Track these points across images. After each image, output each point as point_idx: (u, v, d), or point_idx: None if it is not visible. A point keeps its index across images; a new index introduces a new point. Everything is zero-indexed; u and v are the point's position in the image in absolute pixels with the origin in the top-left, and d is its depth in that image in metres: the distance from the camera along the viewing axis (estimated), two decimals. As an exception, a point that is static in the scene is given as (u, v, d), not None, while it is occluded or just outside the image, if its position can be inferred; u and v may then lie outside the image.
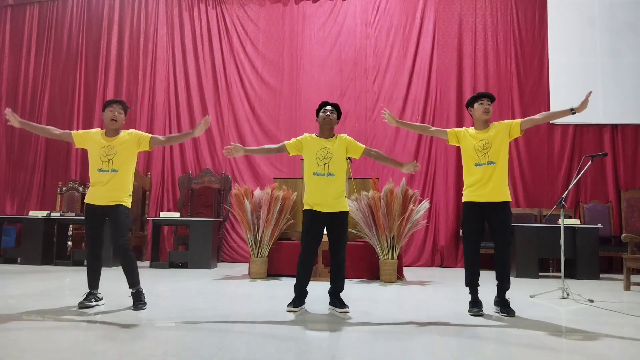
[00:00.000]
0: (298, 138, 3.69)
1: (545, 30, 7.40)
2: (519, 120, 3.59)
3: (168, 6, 8.25)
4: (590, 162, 4.61)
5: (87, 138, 3.61)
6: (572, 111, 3.46)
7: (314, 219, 3.54)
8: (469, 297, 3.58)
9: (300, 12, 7.94)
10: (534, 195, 7.19)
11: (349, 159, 3.80)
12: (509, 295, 3.56)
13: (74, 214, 6.83)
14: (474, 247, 3.56)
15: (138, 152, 3.66)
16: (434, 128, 3.94)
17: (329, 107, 3.67)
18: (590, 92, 3.44)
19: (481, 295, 3.56)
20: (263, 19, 8.02)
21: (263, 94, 7.88)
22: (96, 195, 3.54)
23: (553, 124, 7.24)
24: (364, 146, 3.67)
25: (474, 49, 7.50)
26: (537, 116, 3.63)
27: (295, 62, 7.85)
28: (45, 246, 6.61)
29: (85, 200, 3.61)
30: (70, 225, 7.19)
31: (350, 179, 5.86)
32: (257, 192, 5.74)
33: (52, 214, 6.71)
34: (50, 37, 8.48)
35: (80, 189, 7.78)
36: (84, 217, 3.72)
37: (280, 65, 7.90)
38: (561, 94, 7.20)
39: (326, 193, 3.51)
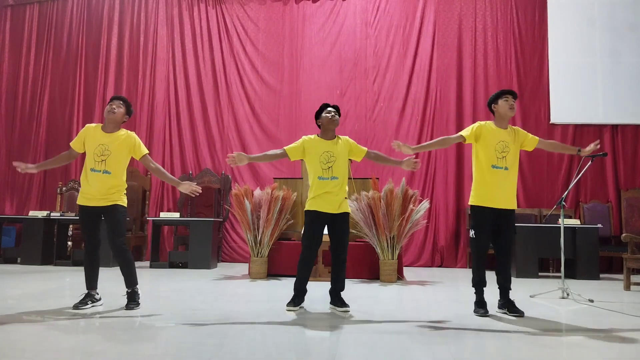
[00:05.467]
0: (298, 143, 3.64)
1: (545, 30, 7.40)
2: (537, 138, 3.61)
3: (168, 6, 8.25)
4: (590, 162, 4.60)
5: (84, 136, 3.61)
6: (579, 151, 3.67)
7: (316, 220, 3.55)
8: (470, 298, 3.58)
9: (300, 12, 7.93)
10: (534, 195, 7.19)
11: (350, 160, 3.80)
12: (511, 296, 3.56)
13: (74, 214, 6.82)
14: (486, 247, 3.51)
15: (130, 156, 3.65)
16: (450, 137, 3.73)
17: (332, 109, 3.67)
18: (598, 141, 3.68)
19: (485, 296, 3.55)
20: (263, 18, 8.02)
21: (263, 94, 7.87)
22: (89, 197, 3.52)
23: (553, 124, 7.24)
24: (366, 149, 3.71)
25: (474, 49, 7.50)
26: (548, 141, 3.79)
27: (295, 62, 7.84)
28: (45, 246, 6.61)
29: (78, 202, 3.59)
30: (70, 225, 7.18)
31: (351, 179, 5.85)
32: (257, 192, 5.74)
33: (52, 214, 6.71)
34: (50, 37, 8.48)
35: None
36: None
37: (280, 65, 7.90)
38: (561, 94, 7.20)
39: (330, 197, 3.52)
